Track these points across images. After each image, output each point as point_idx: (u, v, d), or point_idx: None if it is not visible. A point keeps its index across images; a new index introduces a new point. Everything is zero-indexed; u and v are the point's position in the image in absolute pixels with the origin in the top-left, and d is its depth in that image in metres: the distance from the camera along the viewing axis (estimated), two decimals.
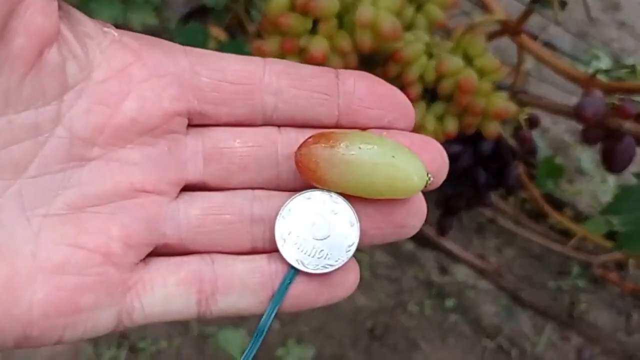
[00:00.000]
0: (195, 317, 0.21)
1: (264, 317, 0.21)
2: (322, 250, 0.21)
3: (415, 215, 0.21)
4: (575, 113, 0.45)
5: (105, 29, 0.20)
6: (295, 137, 0.21)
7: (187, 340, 1.01)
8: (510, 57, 0.60)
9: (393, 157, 0.20)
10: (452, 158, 0.65)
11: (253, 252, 0.21)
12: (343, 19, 0.47)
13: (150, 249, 0.21)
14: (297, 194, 0.21)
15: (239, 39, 0.90)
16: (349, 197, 0.21)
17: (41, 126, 0.18)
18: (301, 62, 0.49)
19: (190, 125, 0.21)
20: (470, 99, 0.49)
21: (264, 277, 0.21)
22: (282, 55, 0.48)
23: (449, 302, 1.11)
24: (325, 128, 0.21)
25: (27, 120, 0.18)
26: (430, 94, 0.51)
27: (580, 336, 1.00)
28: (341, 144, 0.20)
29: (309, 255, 0.21)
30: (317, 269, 0.21)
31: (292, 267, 0.21)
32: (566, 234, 1.18)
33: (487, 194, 0.71)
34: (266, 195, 0.21)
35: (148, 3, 1.23)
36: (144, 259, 0.21)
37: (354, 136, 0.20)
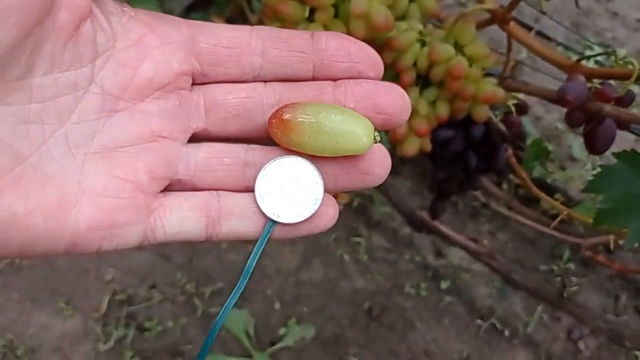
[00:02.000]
0: (204, 239, 0.25)
1: (249, 260, 0.25)
2: (293, 205, 0.25)
3: (378, 165, 0.25)
4: (559, 96, 0.48)
5: (124, 7, 0.24)
6: (278, 90, 0.25)
7: (193, 320, 1.05)
8: (503, 47, 0.63)
9: (345, 122, 0.24)
10: (444, 143, 0.68)
11: (247, 190, 0.25)
12: (338, 8, 0.50)
13: (167, 182, 0.25)
14: (271, 160, 0.25)
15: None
16: (315, 158, 0.25)
17: (79, 84, 0.22)
18: None
19: (194, 83, 0.25)
20: (461, 84, 0.52)
21: (257, 207, 0.25)
22: None
23: (444, 284, 1.14)
24: (304, 81, 0.26)
25: (68, 79, 0.22)
26: (423, 80, 0.54)
27: (571, 316, 1.03)
28: (303, 114, 0.24)
29: (282, 209, 0.25)
30: (290, 220, 0.25)
31: (271, 219, 0.25)
32: (558, 218, 1.22)
33: (478, 177, 0.74)
34: (257, 148, 0.26)
35: None
36: (163, 190, 0.25)
37: (314, 106, 0.24)
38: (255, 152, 0.26)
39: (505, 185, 1.27)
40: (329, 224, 0.25)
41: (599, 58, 1.06)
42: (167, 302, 1.06)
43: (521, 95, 0.68)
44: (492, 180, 1.27)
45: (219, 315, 0.25)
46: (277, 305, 1.09)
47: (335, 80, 0.25)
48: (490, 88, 0.53)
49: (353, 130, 0.24)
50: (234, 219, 0.25)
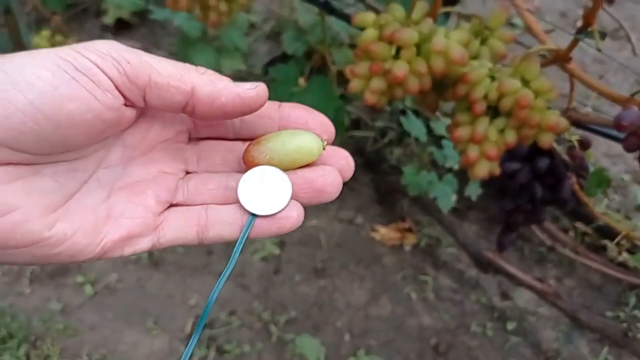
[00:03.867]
0: (196, 243, 0.32)
1: (236, 245, 0.31)
2: (269, 201, 0.31)
3: (331, 184, 0.31)
4: (615, 123, 0.55)
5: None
6: None
7: (268, 345, 1.11)
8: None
9: (297, 136, 0.31)
10: (511, 175, 0.75)
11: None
12: (420, 47, 0.58)
13: (168, 205, 0.32)
14: (250, 170, 0.32)
15: (323, 75, 1.03)
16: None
17: (108, 143, 0.31)
18: (385, 82, 0.60)
19: (190, 139, 0.33)
20: (527, 113, 0.59)
21: (236, 216, 0.31)
22: (369, 76, 0.60)
23: (510, 325, 1.17)
24: None
25: (103, 142, 0.30)
26: (493, 111, 0.62)
27: (635, 357, 1.03)
28: (265, 141, 0.32)
29: (260, 205, 0.31)
30: (266, 213, 0.31)
31: (251, 214, 0.31)
32: (624, 266, 1.23)
33: (543, 208, 0.79)
34: (235, 175, 0.32)
35: (237, 51, 1.40)
36: (166, 209, 0.32)
37: (274, 135, 0.32)
38: (233, 178, 0.32)
39: (572, 233, 1.30)
40: (295, 224, 0.31)
41: None
42: (244, 327, 1.14)
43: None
44: (559, 227, 1.30)
45: (214, 289, 0.31)
46: (347, 337, 1.14)
47: None
48: (554, 117, 0.60)
49: (306, 141, 0.31)
50: (218, 225, 0.31)
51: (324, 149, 0.31)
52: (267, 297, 1.19)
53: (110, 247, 0.30)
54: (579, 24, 0.60)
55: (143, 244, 0.31)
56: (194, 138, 0.33)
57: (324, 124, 0.33)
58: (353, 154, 0.32)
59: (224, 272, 0.31)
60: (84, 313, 1.14)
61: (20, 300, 1.15)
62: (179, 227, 0.31)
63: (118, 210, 0.30)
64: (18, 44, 1.32)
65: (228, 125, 0.33)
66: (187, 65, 0.29)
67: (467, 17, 0.66)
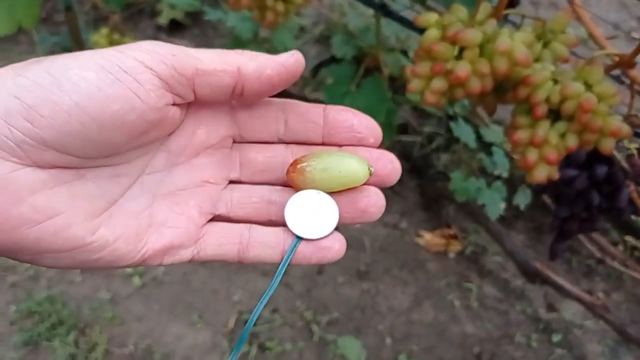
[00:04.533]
0: (236, 261, 0.32)
1: (279, 267, 0.31)
2: (315, 225, 0.31)
3: (374, 205, 0.31)
4: None
5: None
6: (295, 151, 0.32)
7: (309, 344, 1.12)
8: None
9: (345, 160, 0.30)
10: (568, 181, 0.74)
11: (270, 223, 0.32)
12: (484, 48, 0.58)
13: (211, 216, 0.32)
14: (298, 193, 0.31)
15: (376, 76, 1.03)
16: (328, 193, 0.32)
17: (154, 147, 0.30)
18: (447, 82, 0.61)
19: (234, 142, 0.33)
20: (589, 117, 0.58)
21: (279, 239, 0.31)
22: (431, 76, 0.60)
23: (556, 338, 1.15)
24: (315, 145, 0.32)
25: (147, 147, 0.30)
26: (554, 114, 0.61)
27: None
28: (312, 160, 0.31)
29: (306, 229, 0.31)
30: (312, 237, 0.31)
31: (297, 236, 0.31)
32: None
33: (599, 217, 0.78)
34: (279, 189, 0.32)
35: None
36: (208, 222, 0.32)
37: (317, 155, 0.31)
38: (277, 192, 0.32)
39: (621, 247, 1.27)
40: (337, 256, 0.31)
41: None
42: (287, 326, 1.15)
43: None
44: (608, 239, 1.27)
45: (254, 311, 0.31)
46: (388, 341, 1.14)
47: (340, 146, 0.32)
48: (617, 123, 0.59)
49: (351, 166, 0.30)
50: (259, 247, 0.31)
51: (370, 174, 0.31)
52: (309, 297, 1.19)
53: (151, 255, 0.30)
54: (635, 35, 0.59)
55: (183, 255, 0.31)
56: (237, 142, 0.33)
57: (370, 127, 0.32)
58: (400, 159, 0.32)
59: (265, 293, 0.31)
60: (132, 303, 1.17)
61: (71, 288, 1.18)
62: (220, 244, 0.31)
63: (160, 219, 0.30)
64: (77, 42, 1.36)
65: (272, 129, 0.32)
66: (225, 50, 0.29)
67: (526, 19, 0.65)
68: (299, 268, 1.24)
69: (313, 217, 0.31)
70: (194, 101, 0.30)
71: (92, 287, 1.19)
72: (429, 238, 1.29)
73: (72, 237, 0.27)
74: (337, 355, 1.10)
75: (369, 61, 1.07)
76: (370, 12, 1.30)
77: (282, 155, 0.32)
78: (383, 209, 0.31)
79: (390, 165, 0.31)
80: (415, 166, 1.38)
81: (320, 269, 1.24)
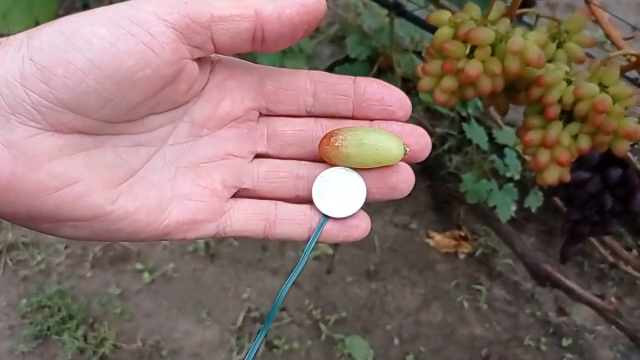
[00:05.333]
0: (262, 238, 0.31)
1: (306, 246, 0.31)
2: (342, 203, 0.30)
3: (404, 182, 0.30)
4: None
5: (213, 55, 0.30)
6: (325, 125, 0.31)
7: (317, 343, 1.12)
8: None
9: (381, 137, 0.30)
10: (580, 184, 0.73)
11: (297, 199, 0.31)
12: (495, 47, 0.58)
13: (236, 190, 0.31)
14: (326, 170, 0.31)
15: (389, 76, 1.03)
16: (357, 169, 0.31)
17: (176, 117, 0.29)
18: (457, 81, 0.60)
19: (260, 115, 0.31)
20: (604, 119, 0.57)
21: (306, 217, 0.30)
22: (441, 74, 0.60)
23: (566, 342, 1.14)
24: (345, 119, 0.31)
25: (169, 114, 0.29)
26: (567, 115, 0.60)
27: None
28: (348, 134, 0.30)
29: (333, 208, 0.30)
30: (338, 215, 0.30)
31: (324, 215, 0.30)
32: None
33: (612, 221, 0.77)
34: (307, 164, 0.31)
35: (302, 53, 1.42)
36: (234, 196, 0.31)
37: (352, 130, 0.30)
38: (305, 167, 0.31)
39: (635, 251, 1.25)
40: (363, 234, 0.31)
41: None
42: (294, 324, 1.15)
43: None
44: (621, 244, 1.26)
45: (280, 292, 0.30)
46: (396, 341, 1.13)
47: (370, 120, 0.31)
48: (632, 124, 0.58)
49: (388, 143, 0.29)
50: (286, 224, 0.30)
51: (405, 153, 0.30)
52: (318, 296, 1.19)
53: (174, 228, 0.29)
54: None
55: (207, 230, 0.30)
56: (264, 115, 0.32)
57: (401, 99, 0.31)
58: None
59: (293, 272, 0.30)
60: (141, 299, 1.17)
61: (81, 283, 1.19)
62: (247, 219, 0.30)
63: (184, 191, 0.29)
64: None
65: (300, 101, 0.31)
66: None
67: (541, 18, 0.65)
68: (307, 267, 1.24)
69: (341, 195, 0.30)
70: (217, 65, 0.29)
71: (102, 282, 1.20)
72: (439, 239, 1.28)
73: (90, 205, 0.26)
74: (344, 355, 1.10)
75: (383, 61, 1.07)
76: (385, 12, 1.30)
77: (311, 129, 0.31)
78: (412, 185, 0.31)
79: (423, 141, 0.30)
80: (427, 167, 1.38)
81: (330, 267, 1.24)
